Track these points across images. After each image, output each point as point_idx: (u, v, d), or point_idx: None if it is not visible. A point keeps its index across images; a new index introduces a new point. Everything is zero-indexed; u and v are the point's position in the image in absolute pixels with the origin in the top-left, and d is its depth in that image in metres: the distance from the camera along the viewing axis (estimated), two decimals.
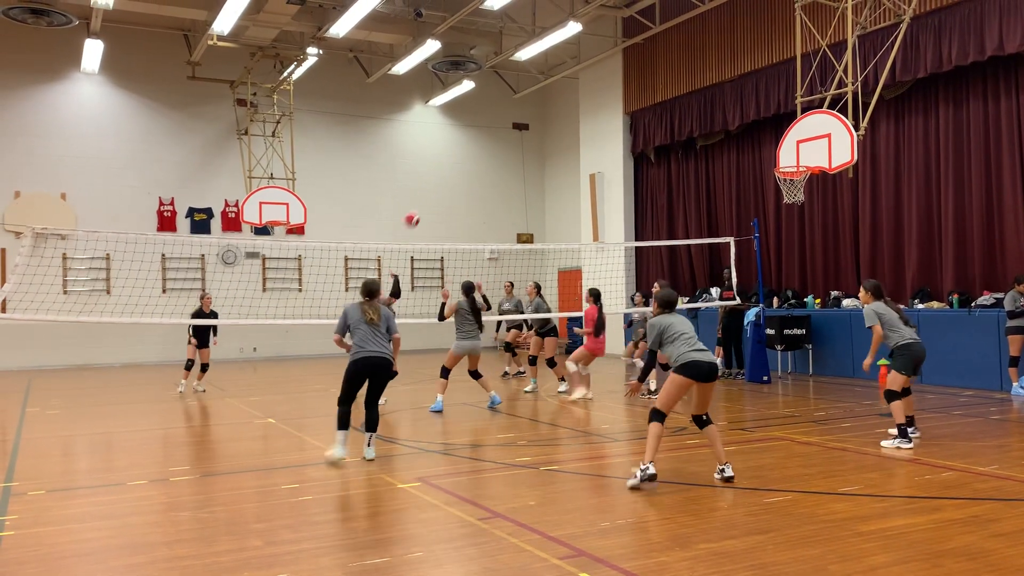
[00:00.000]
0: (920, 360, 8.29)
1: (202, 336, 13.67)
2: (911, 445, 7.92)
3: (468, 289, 11.24)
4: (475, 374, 11.37)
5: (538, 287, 13.99)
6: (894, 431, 8.10)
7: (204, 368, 13.85)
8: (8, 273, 18.68)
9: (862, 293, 8.62)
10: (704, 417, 6.84)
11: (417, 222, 11.87)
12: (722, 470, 6.60)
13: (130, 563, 4.97)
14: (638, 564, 4.70)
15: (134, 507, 6.32)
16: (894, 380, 8.13)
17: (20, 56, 19.78)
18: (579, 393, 11.77)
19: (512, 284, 15.93)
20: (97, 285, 20.02)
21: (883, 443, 8.08)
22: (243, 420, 10.85)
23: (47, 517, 6.01)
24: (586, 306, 12.31)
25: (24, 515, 6.05)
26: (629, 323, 14.73)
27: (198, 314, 13.78)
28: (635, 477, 6.45)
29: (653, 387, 11.77)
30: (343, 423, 7.70)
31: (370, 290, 8.03)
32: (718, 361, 15.72)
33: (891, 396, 8.09)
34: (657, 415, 6.68)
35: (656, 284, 12.18)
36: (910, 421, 8.35)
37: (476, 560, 4.89)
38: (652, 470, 6.45)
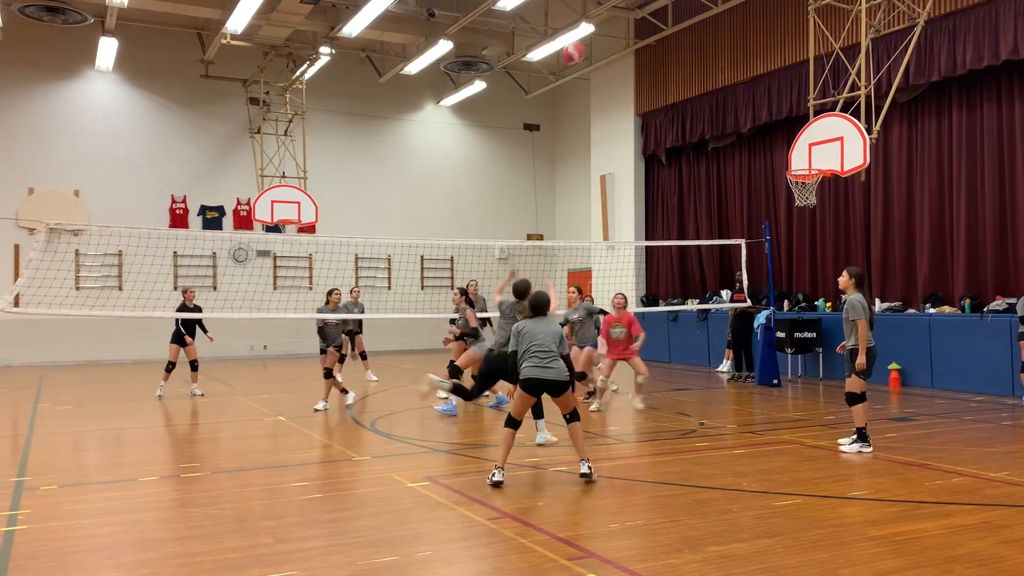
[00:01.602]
0: (875, 362, 8.09)
1: (189, 330, 13.00)
2: (871, 449, 7.93)
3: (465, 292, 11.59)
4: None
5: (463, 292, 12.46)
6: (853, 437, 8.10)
7: (194, 366, 13.15)
8: (22, 268, 18.81)
9: (845, 278, 8.15)
10: (567, 416, 6.91)
11: (576, 55, 10.75)
12: (581, 464, 6.77)
13: (140, 559, 4.99)
14: (647, 566, 4.70)
15: (145, 503, 6.36)
16: (856, 383, 7.99)
17: (35, 53, 19.90)
18: (595, 406, 11.02)
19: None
20: (109, 281, 20.13)
21: (843, 447, 8.04)
22: (253, 417, 10.89)
23: (59, 512, 6.05)
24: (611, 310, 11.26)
25: (36, 510, 6.09)
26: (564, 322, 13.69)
27: (182, 309, 13.03)
28: (490, 476, 6.63)
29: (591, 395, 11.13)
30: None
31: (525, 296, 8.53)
32: (728, 364, 15.72)
33: (854, 399, 8.02)
34: (511, 421, 6.81)
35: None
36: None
37: (485, 560, 4.90)
38: (499, 476, 6.57)
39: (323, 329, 11.54)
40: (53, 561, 4.94)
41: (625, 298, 11.28)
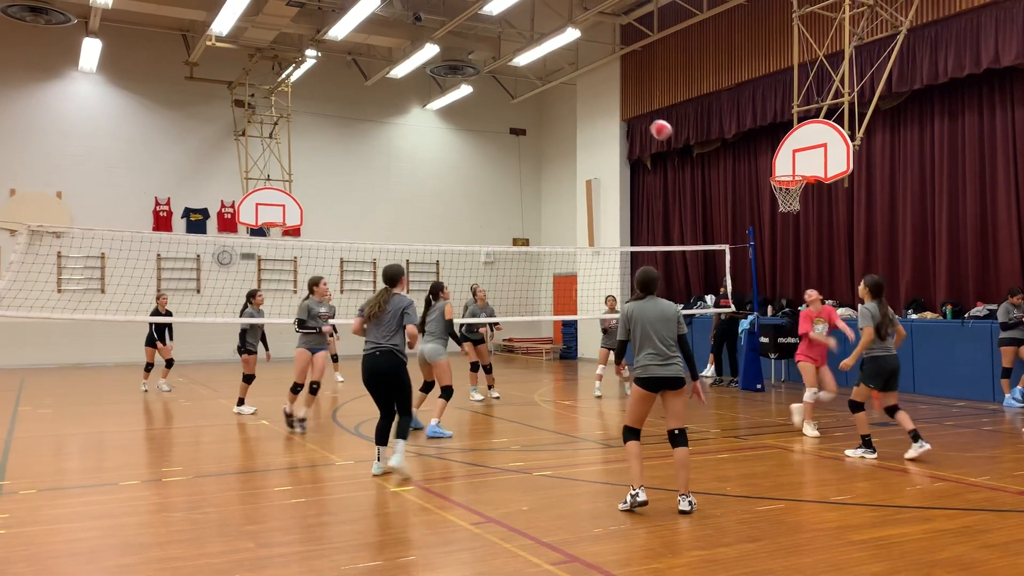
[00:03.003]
0: (891, 373, 7.90)
1: (160, 335, 14.06)
2: (875, 455, 7.96)
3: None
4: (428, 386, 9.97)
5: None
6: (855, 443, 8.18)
7: (169, 364, 14.19)
8: (3, 271, 18.62)
9: (861, 288, 8.18)
10: (676, 432, 6.06)
11: (662, 132, 10.61)
12: (680, 500, 5.94)
13: (121, 563, 4.95)
14: (630, 570, 4.71)
15: (126, 507, 6.31)
16: (861, 392, 8.05)
17: (18, 54, 19.74)
18: (809, 430, 9.35)
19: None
20: (92, 284, 19.97)
21: (847, 451, 8.14)
22: (236, 421, 10.83)
23: (38, 516, 5.99)
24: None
25: (15, 514, 6.03)
26: (604, 330, 13.87)
27: (155, 314, 13.93)
28: (625, 501, 6.01)
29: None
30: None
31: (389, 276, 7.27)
32: (710, 369, 15.77)
33: (855, 407, 8.10)
34: (629, 432, 6.13)
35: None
36: (915, 435, 7.92)
37: (469, 565, 4.89)
38: (642, 496, 5.92)
39: (248, 332, 11.48)
40: (32, 566, 4.89)
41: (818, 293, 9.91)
